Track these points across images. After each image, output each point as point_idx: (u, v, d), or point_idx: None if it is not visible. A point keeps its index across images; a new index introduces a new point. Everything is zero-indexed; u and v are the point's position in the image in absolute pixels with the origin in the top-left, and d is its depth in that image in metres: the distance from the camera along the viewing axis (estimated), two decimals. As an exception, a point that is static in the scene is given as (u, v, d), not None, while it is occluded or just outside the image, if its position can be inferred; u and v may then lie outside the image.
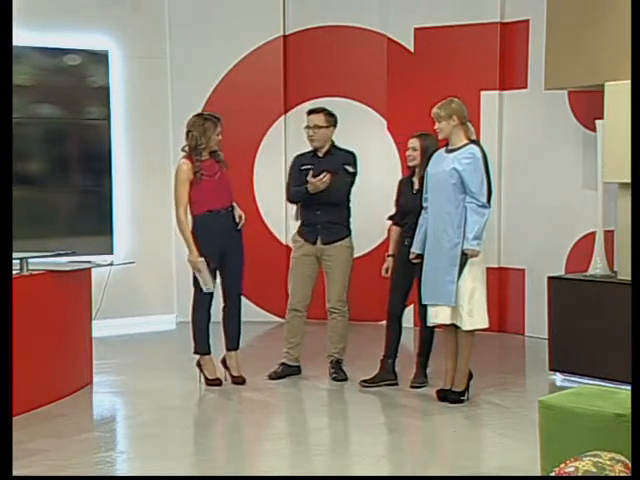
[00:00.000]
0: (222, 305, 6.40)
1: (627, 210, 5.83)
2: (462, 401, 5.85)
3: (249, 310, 7.90)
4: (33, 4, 8.03)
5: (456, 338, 5.82)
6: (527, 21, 7.95)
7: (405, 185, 6.38)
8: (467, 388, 5.90)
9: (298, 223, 6.61)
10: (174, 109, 8.77)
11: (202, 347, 6.38)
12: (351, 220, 6.54)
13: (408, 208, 6.20)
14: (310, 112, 6.55)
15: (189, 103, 8.33)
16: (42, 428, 5.39)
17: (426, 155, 6.05)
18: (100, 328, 7.25)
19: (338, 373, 6.50)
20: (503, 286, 8.23)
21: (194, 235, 6.19)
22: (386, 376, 6.31)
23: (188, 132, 6.24)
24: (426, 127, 6.14)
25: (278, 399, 6.22)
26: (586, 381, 6.05)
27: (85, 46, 8.53)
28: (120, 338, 8.16)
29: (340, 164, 6.42)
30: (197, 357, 6.42)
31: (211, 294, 6.26)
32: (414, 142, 6.22)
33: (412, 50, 8.45)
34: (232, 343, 6.45)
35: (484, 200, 5.66)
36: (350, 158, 6.49)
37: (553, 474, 3.02)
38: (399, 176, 7.26)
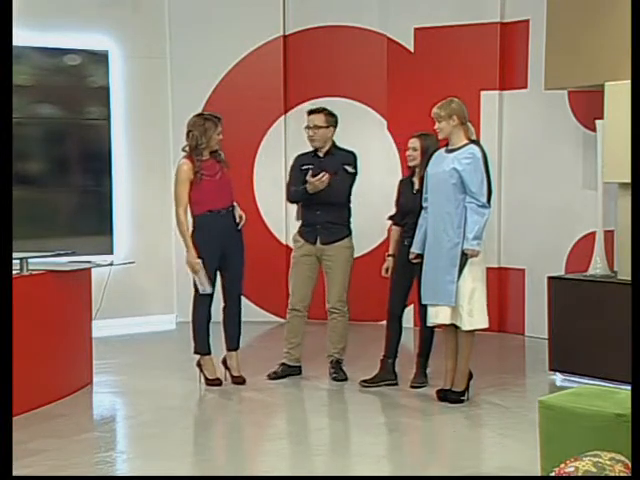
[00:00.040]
0: (222, 305, 6.40)
1: (627, 210, 5.83)
2: (462, 401, 5.85)
3: (249, 310, 7.89)
4: (33, 4, 8.03)
5: (456, 338, 5.82)
6: (527, 21, 7.95)
7: (405, 185, 6.38)
8: (467, 388, 5.90)
9: (299, 223, 6.61)
10: (174, 109, 8.77)
11: (202, 347, 6.38)
12: (351, 220, 6.55)
13: (408, 208, 6.20)
14: (310, 112, 6.54)
15: (189, 103, 8.33)
16: (42, 428, 5.39)
17: (426, 155, 6.04)
18: (100, 328, 7.24)
19: (338, 373, 6.49)
20: (503, 286, 8.23)
21: (194, 235, 6.19)
22: (386, 376, 6.31)
23: (188, 132, 6.24)
24: (426, 127, 6.14)
25: (278, 399, 6.22)
26: (586, 381, 6.05)
27: (85, 46, 8.52)
28: (120, 338, 8.16)
29: (340, 164, 6.42)
30: (197, 357, 6.42)
31: (211, 294, 6.27)
32: (414, 142, 6.22)
33: (412, 50, 8.44)
34: (232, 343, 6.45)
35: (484, 200, 5.66)
36: (350, 158, 6.49)
37: (553, 474, 3.02)
38: (399, 176, 7.27)
